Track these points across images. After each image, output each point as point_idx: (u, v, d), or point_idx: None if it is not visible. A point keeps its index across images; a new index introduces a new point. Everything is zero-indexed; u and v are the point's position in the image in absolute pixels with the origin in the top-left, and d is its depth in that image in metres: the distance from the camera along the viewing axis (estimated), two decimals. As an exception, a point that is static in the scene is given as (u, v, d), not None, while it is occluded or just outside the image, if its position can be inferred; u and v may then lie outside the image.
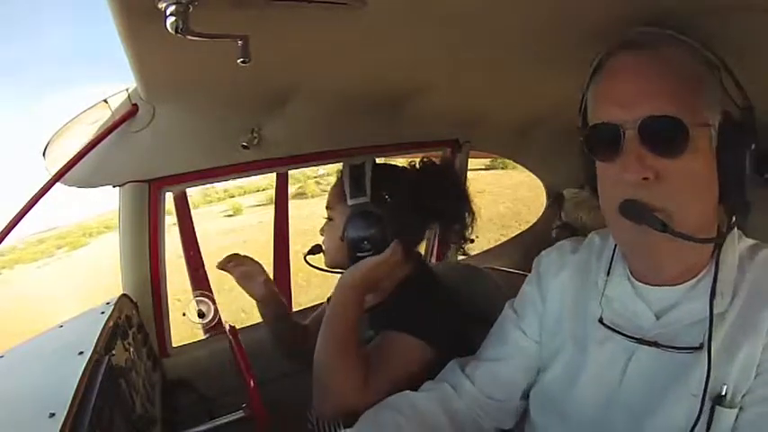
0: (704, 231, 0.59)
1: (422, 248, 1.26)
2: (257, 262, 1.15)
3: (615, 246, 0.70)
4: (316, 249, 1.13)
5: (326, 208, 1.10)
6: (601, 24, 0.66)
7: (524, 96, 1.34)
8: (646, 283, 0.65)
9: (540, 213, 2.21)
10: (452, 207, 1.08)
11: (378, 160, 1.08)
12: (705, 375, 0.56)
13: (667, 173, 0.55)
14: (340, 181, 1.07)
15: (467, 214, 1.09)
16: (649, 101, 0.54)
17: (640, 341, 0.63)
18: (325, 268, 1.11)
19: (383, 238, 0.98)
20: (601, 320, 0.67)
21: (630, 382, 0.63)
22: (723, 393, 0.56)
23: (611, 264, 0.69)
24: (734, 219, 0.59)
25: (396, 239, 0.98)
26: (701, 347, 0.58)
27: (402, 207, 1.00)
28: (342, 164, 1.08)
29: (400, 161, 1.16)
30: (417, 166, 1.10)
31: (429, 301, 1.01)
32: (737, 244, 0.62)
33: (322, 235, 1.11)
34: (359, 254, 0.99)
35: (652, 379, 0.62)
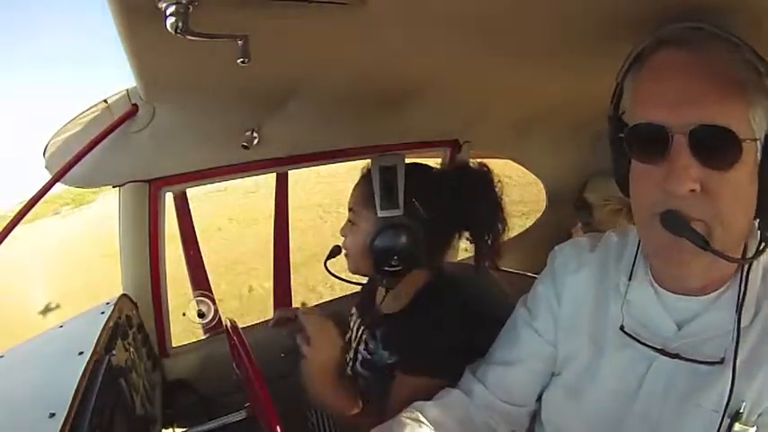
0: (737, 246, 0.58)
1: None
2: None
3: (637, 248, 0.67)
4: (336, 251, 1.07)
5: (349, 209, 1.04)
6: (603, 23, 0.66)
7: (525, 96, 1.34)
8: (668, 291, 0.63)
9: (540, 213, 2.21)
10: (486, 215, 1.02)
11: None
12: (726, 391, 0.55)
13: (713, 185, 0.52)
14: (365, 182, 1.02)
15: (499, 223, 1.03)
16: (701, 106, 0.51)
17: (662, 352, 0.61)
18: (344, 278, 1.07)
19: (414, 251, 0.94)
20: (622, 328, 0.65)
21: (648, 392, 0.62)
22: (741, 410, 0.56)
23: (632, 267, 0.67)
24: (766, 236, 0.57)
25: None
26: (722, 362, 0.57)
27: (435, 218, 0.95)
28: (371, 162, 1.01)
29: (431, 163, 1.10)
30: (451, 170, 1.05)
31: (444, 328, 0.93)
32: (761, 257, 0.60)
33: (342, 236, 1.05)
34: (386, 268, 0.95)
35: (670, 390, 0.61)
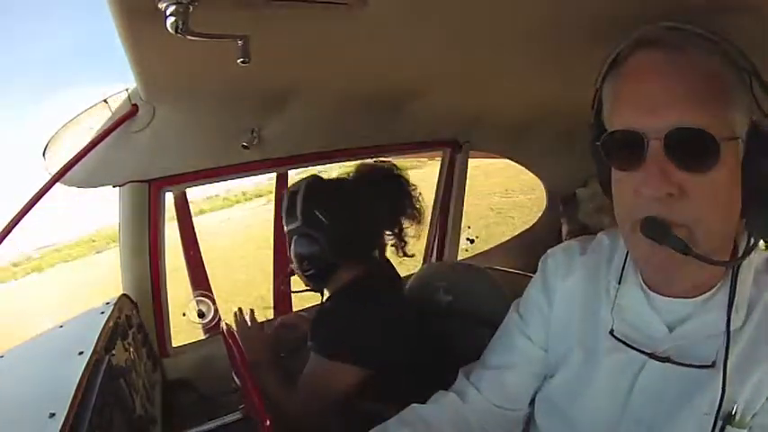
0: (724, 247, 0.58)
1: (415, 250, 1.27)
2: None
3: (627, 251, 0.66)
4: (291, 271, 1.19)
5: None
6: (602, 23, 0.66)
7: (524, 96, 1.34)
8: (658, 293, 0.62)
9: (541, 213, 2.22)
10: (390, 210, 1.12)
11: (324, 175, 1.12)
12: (718, 394, 0.54)
13: (692, 188, 0.51)
14: None
15: (406, 216, 1.13)
16: (676, 108, 0.50)
17: (652, 355, 0.61)
18: (298, 289, 1.19)
19: (321, 254, 1.04)
20: (612, 332, 0.65)
21: (639, 396, 0.62)
22: (733, 413, 0.55)
23: (622, 270, 0.66)
24: (754, 237, 0.56)
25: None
26: (713, 365, 0.57)
27: (336, 221, 1.04)
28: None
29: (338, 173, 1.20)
30: (349, 175, 1.14)
31: (363, 318, 1.03)
32: (753, 257, 0.59)
33: None
34: (304, 273, 1.08)
35: (662, 393, 0.60)
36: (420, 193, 1.17)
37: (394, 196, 1.12)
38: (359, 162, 1.19)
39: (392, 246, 1.15)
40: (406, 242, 1.15)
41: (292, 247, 1.06)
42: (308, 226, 1.04)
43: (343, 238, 1.04)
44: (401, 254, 1.16)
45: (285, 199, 1.08)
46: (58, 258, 15.43)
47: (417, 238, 1.17)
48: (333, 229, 1.03)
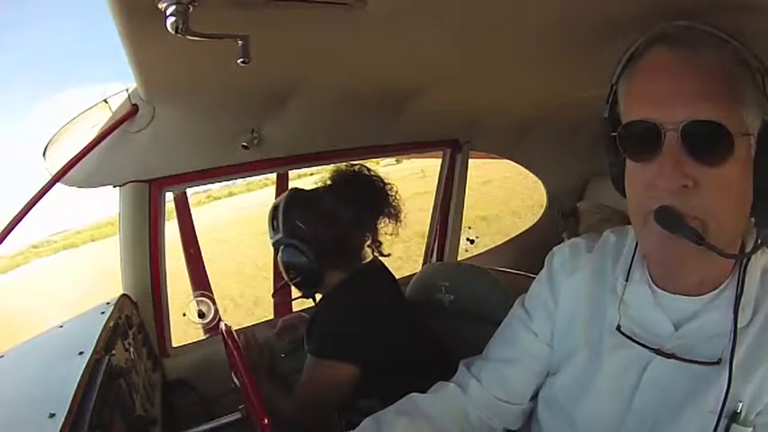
0: (733, 244, 0.58)
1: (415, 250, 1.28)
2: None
3: (635, 248, 0.67)
4: (285, 284, 1.23)
5: None
6: (603, 24, 0.66)
7: (524, 96, 1.34)
8: (665, 291, 0.63)
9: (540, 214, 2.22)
10: (366, 211, 1.14)
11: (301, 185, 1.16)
12: (723, 392, 0.55)
13: (705, 181, 0.52)
14: None
15: (384, 215, 1.15)
16: (691, 102, 0.51)
17: (658, 352, 0.61)
18: (297, 296, 1.22)
19: (305, 262, 1.07)
20: (619, 328, 0.65)
21: (644, 393, 0.62)
22: (738, 411, 0.56)
23: (630, 267, 0.67)
24: (763, 233, 0.56)
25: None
26: (719, 362, 0.57)
27: (315, 229, 1.08)
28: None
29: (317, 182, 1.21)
30: (323, 185, 1.16)
31: (349, 318, 1.06)
32: (760, 256, 0.60)
33: None
34: (291, 281, 1.12)
35: (667, 391, 0.60)
36: (396, 191, 1.19)
37: (369, 197, 1.14)
38: (332, 167, 1.21)
39: (367, 246, 1.17)
40: (380, 242, 1.17)
41: (278, 257, 1.10)
42: (289, 237, 1.08)
43: (323, 244, 1.07)
44: (377, 253, 1.18)
45: (269, 213, 1.12)
46: (86, 238, 15.82)
47: (396, 236, 1.18)
48: (313, 238, 1.07)
